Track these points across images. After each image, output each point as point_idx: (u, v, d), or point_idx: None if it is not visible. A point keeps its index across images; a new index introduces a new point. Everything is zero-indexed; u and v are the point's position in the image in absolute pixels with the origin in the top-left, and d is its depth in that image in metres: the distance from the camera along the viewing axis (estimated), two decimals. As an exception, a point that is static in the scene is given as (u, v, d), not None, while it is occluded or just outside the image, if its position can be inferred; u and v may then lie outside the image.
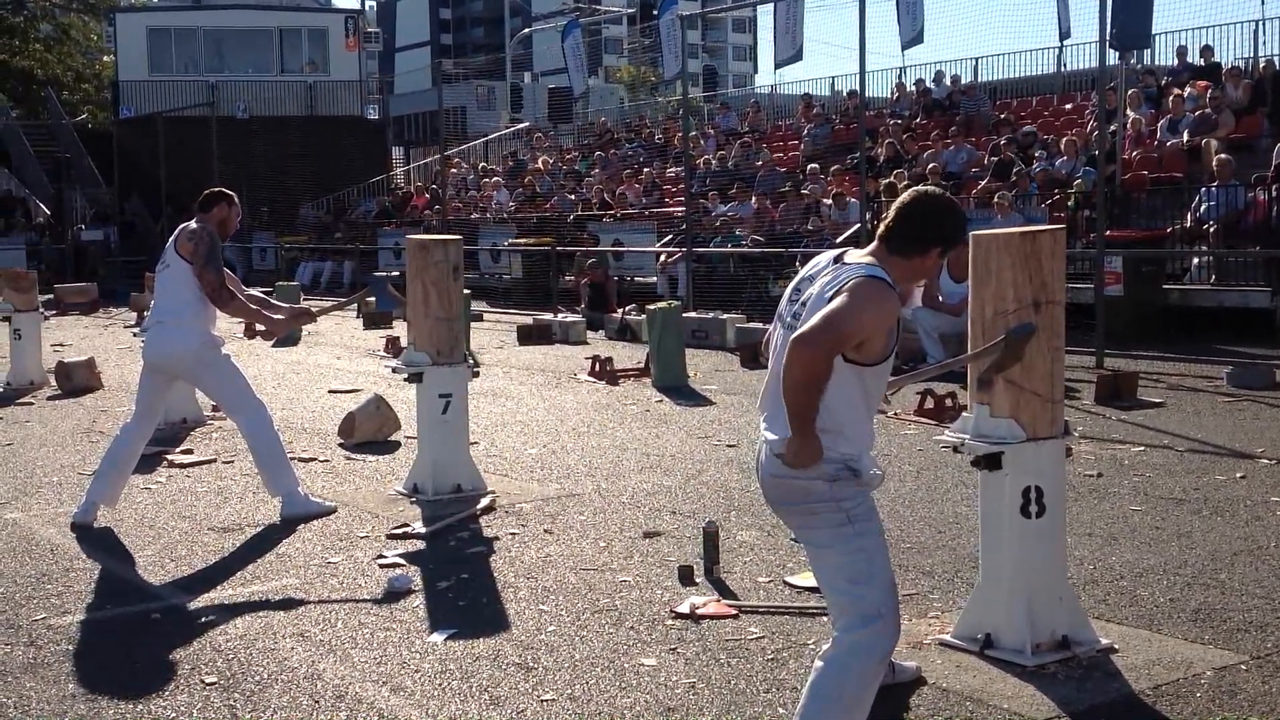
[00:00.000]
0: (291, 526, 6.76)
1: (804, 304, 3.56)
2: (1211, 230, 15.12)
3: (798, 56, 24.42)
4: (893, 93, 26.63)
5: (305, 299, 20.81)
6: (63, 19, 46.03)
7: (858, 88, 17.23)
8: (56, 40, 45.89)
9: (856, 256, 3.59)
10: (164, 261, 6.96)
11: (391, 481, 7.85)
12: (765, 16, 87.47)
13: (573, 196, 26.24)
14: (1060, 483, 4.68)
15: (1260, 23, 21.37)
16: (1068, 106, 22.09)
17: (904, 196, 3.63)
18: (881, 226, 3.61)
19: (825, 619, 4.40)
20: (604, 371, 12.62)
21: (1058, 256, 4.57)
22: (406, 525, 6.72)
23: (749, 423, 9.37)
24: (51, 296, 22.18)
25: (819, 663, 3.59)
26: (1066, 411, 4.83)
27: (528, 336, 16.51)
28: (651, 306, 13.14)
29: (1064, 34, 22.01)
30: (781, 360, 3.48)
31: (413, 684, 4.48)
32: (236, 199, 7.13)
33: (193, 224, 6.92)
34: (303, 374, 13.54)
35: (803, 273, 3.74)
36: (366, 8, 56.77)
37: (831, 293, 3.44)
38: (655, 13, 28.40)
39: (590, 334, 16.97)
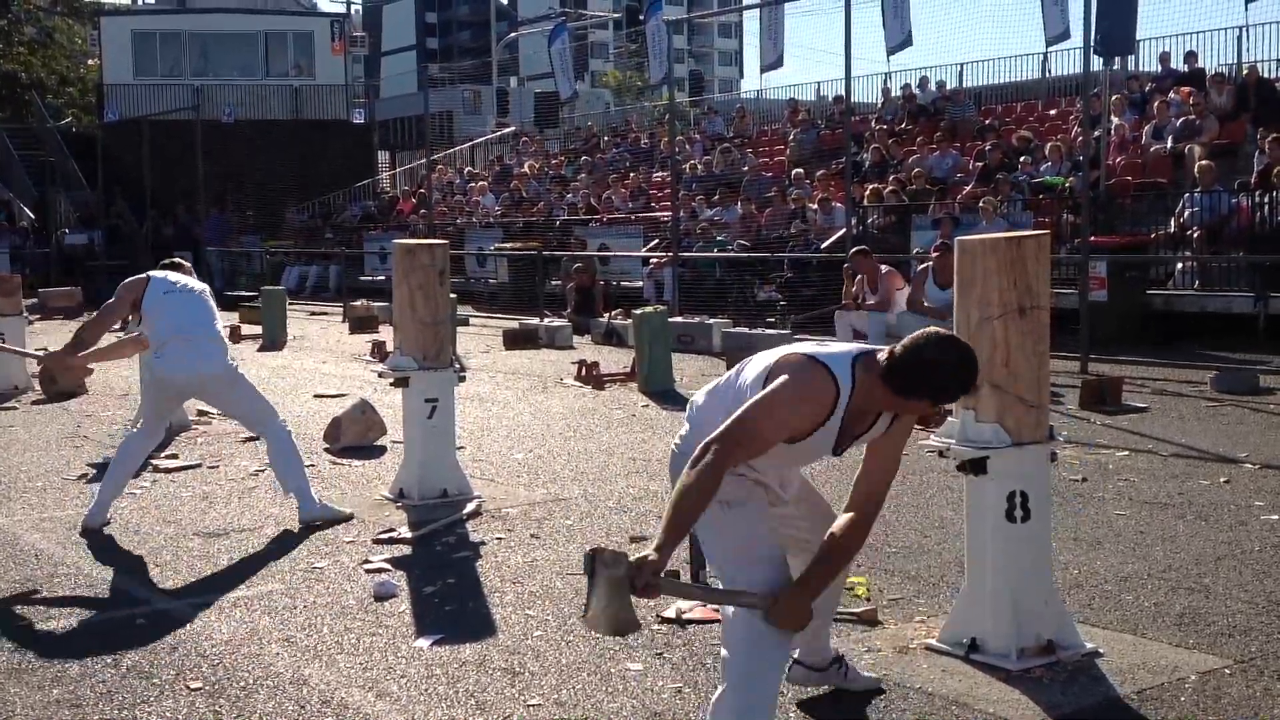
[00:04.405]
0: (281, 531, 6.75)
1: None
2: (1196, 235, 15.18)
3: (779, 63, 24.48)
4: (879, 98, 26.68)
5: (291, 303, 20.76)
6: (48, 22, 45.87)
7: (844, 93, 17.27)
8: (41, 43, 45.72)
9: (863, 384, 3.58)
10: (184, 285, 6.98)
11: (377, 486, 7.84)
12: (751, 21, 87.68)
13: (560, 200, 26.26)
14: (1045, 487, 4.69)
15: (1244, 29, 21.45)
16: (1052, 112, 22.16)
17: (921, 335, 3.54)
18: (889, 352, 3.55)
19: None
20: (590, 376, 12.63)
21: (1042, 261, 4.59)
22: (392, 530, 6.71)
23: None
24: (36, 300, 22.11)
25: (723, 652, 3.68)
26: (1051, 416, 4.84)
27: (514, 341, 16.50)
28: (638, 311, 13.15)
29: (1057, 37, 22.04)
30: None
31: (399, 689, 4.47)
32: None
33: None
34: (288, 378, 13.52)
35: None
36: (352, 11, 56.70)
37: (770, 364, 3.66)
38: (641, 17, 28.43)
39: (576, 338, 16.97)
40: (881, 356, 3.57)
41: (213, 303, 7.07)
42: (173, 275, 7.05)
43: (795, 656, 4.25)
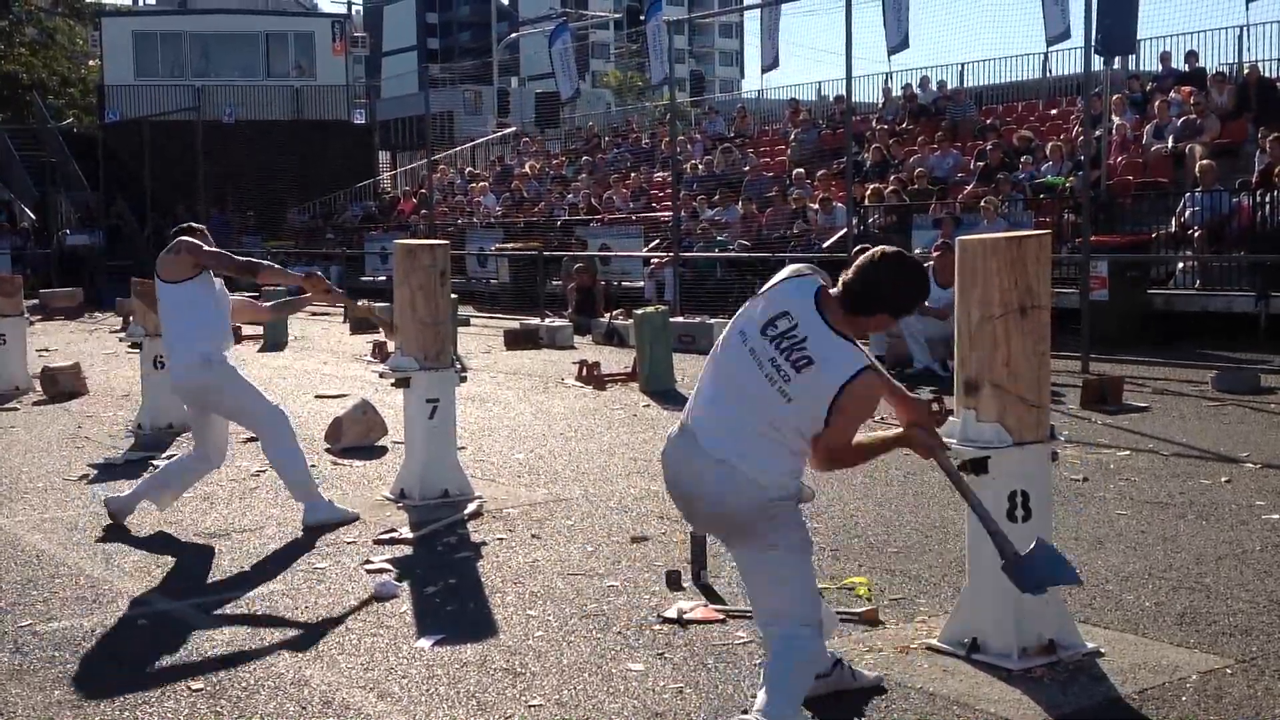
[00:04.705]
0: (282, 531, 6.75)
1: (792, 361, 3.72)
2: (1196, 235, 15.18)
3: (775, 64, 24.49)
4: (879, 98, 26.69)
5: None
6: (49, 23, 45.92)
7: (844, 93, 17.27)
8: (42, 44, 45.79)
9: (833, 316, 3.77)
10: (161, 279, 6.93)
11: (378, 486, 7.84)
12: (752, 21, 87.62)
13: (560, 200, 26.26)
14: (1046, 487, 4.69)
15: (1245, 28, 21.45)
16: (1053, 112, 22.17)
17: (866, 257, 3.81)
18: (842, 281, 3.81)
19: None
20: (591, 376, 12.63)
21: (1043, 261, 4.59)
22: (394, 530, 6.71)
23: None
24: (37, 301, 22.13)
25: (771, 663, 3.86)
26: (1052, 416, 4.84)
27: (515, 341, 16.50)
28: (639, 311, 13.15)
29: (1057, 37, 22.04)
30: (749, 403, 3.78)
31: (400, 690, 4.48)
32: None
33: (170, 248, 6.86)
34: (289, 379, 13.52)
35: (771, 299, 3.85)
36: (353, 12, 56.74)
37: (835, 394, 3.69)
38: (642, 18, 28.44)
39: (577, 338, 16.97)
40: (834, 290, 3.81)
41: (166, 302, 6.72)
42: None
43: None
